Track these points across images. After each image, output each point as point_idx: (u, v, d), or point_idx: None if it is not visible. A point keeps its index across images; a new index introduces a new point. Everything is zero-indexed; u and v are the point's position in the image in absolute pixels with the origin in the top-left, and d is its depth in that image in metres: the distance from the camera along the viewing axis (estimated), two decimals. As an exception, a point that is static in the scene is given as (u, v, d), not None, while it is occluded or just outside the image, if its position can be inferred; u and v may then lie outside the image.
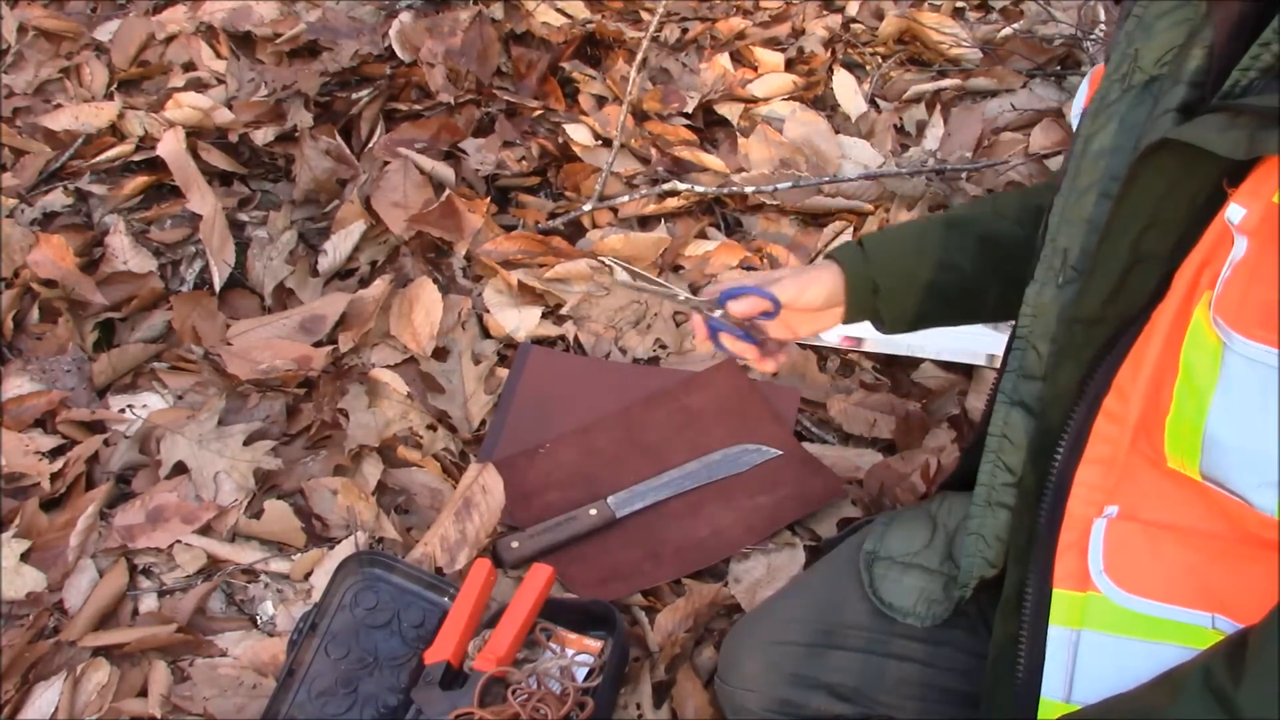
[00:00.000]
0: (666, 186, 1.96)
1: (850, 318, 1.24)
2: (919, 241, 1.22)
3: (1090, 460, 0.89)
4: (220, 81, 2.13)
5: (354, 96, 2.08)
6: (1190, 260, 0.82)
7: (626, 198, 1.96)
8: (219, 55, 2.18)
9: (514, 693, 1.22)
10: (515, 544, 1.46)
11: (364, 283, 1.83)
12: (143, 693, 1.34)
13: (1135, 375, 0.85)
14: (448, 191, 1.89)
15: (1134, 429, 0.86)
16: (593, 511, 1.50)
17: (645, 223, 1.97)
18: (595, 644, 1.30)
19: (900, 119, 2.21)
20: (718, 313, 1.19)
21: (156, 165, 1.93)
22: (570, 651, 1.30)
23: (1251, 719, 0.77)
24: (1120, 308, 0.87)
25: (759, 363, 1.23)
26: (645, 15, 2.36)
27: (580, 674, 1.27)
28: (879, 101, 2.27)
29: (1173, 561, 0.87)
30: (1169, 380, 0.82)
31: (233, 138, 2.00)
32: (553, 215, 1.97)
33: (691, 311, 1.22)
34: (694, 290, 1.83)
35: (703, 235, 1.95)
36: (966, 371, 1.74)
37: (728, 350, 1.23)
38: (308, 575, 1.46)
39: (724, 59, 2.28)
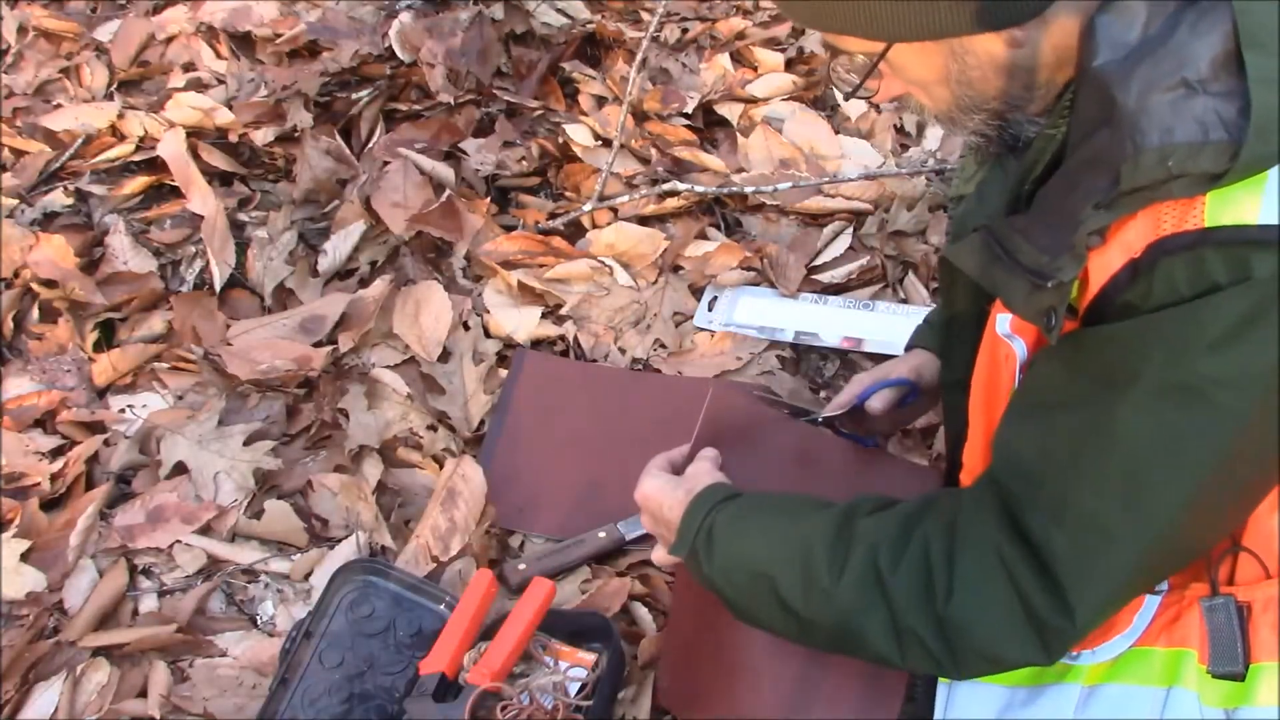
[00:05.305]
0: (666, 187, 1.95)
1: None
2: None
3: None
4: (220, 82, 2.12)
5: (354, 96, 2.07)
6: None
7: (626, 198, 1.96)
8: (219, 55, 2.18)
9: (504, 709, 1.21)
10: (522, 566, 1.46)
11: (364, 283, 1.83)
12: (143, 693, 1.34)
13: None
14: (448, 191, 1.89)
15: None
16: (601, 534, 1.49)
17: (645, 223, 1.97)
18: (590, 657, 1.30)
19: (900, 119, 2.21)
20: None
21: (156, 165, 1.93)
22: (564, 665, 1.29)
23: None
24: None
25: None
26: (645, 15, 2.35)
27: (574, 688, 1.26)
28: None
29: None
30: None
31: (233, 138, 2.00)
32: (553, 215, 1.97)
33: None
34: (695, 293, 1.84)
35: (703, 236, 1.95)
36: (966, 372, 1.73)
37: None
38: (308, 575, 1.46)
39: (724, 59, 2.28)
